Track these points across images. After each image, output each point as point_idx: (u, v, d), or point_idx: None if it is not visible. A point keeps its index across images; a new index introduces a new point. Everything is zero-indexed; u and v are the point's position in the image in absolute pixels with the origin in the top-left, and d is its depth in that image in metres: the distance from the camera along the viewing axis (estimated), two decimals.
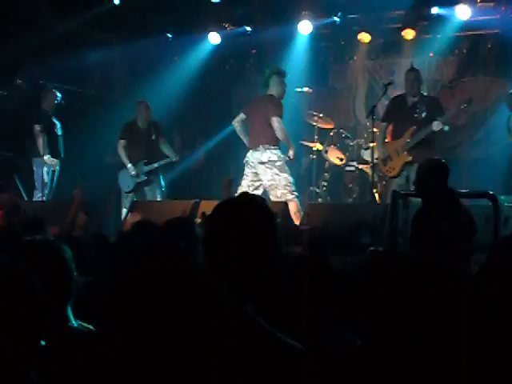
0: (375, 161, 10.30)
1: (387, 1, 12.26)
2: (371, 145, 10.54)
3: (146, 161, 11.35)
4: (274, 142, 10.34)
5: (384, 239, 6.91)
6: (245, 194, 2.50)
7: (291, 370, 2.20)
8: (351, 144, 12.35)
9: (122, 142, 11.44)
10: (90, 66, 13.13)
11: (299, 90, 12.79)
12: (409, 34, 12.67)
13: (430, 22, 12.52)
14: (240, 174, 10.66)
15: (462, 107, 10.25)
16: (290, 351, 2.24)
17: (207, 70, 13.64)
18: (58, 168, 11.39)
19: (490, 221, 6.67)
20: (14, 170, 11.67)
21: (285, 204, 9.39)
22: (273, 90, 10.55)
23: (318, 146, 12.26)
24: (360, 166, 11.95)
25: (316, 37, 13.20)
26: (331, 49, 13.88)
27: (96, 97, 13.69)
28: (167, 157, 11.53)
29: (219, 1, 12.80)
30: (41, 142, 11.10)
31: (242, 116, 10.76)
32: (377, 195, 11.26)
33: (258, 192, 10.20)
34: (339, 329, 3.12)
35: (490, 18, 12.05)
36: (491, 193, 6.92)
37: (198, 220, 7.44)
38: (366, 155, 11.46)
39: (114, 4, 12.60)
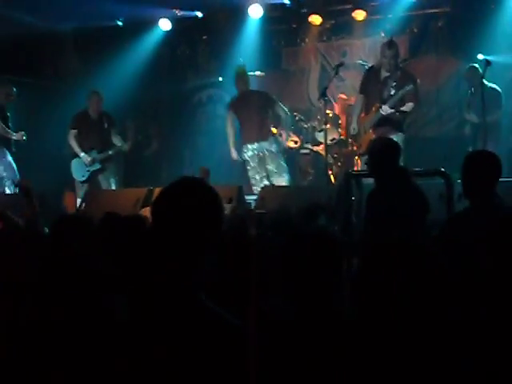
0: (329, 142, 10.31)
1: None
2: (325, 127, 10.52)
3: (98, 149, 11.25)
4: (272, 133, 11.21)
5: (339, 220, 6.92)
6: (186, 178, 2.45)
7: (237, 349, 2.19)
8: (305, 126, 12.35)
9: (73, 132, 11.34)
10: (42, 55, 12.95)
11: (252, 73, 12.74)
12: (359, 14, 12.69)
13: (380, 2, 12.55)
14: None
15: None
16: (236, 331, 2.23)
17: (159, 56, 13.56)
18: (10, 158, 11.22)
19: (443, 198, 6.69)
20: None
21: (239, 188, 9.35)
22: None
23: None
24: (315, 149, 11.96)
25: (267, 20, 13.18)
26: (283, 32, 13.86)
27: (48, 87, 13.51)
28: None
29: None
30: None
31: (232, 116, 11.21)
32: (332, 177, 11.28)
33: (267, 181, 10.99)
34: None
35: None
36: (443, 170, 6.94)
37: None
38: (321, 137, 11.47)
39: None
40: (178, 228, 2.24)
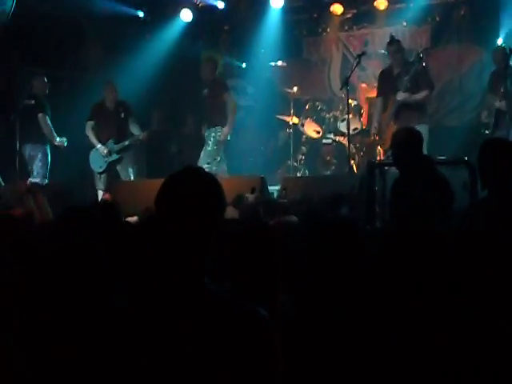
0: (351, 132, 10.32)
1: None
2: (347, 116, 10.52)
3: (115, 140, 11.26)
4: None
5: (362, 210, 6.90)
6: (190, 167, 2.46)
7: (258, 335, 2.19)
8: (327, 116, 12.32)
9: (90, 124, 11.35)
10: (64, 46, 12.98)
11: (273, 64, 12.75)
12: (381, 3, 12.64)
13: None
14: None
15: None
16: (254, 316, 2.22)
17: (181, 46, 13.54)
18: (48, 152, 11.36)
19: (467, 187, 6.66)
20: None
21: (262, 178, 9.37)
22: None
23: (295, 120, 12.23)
24: (337, 138, 11.94)
25: (288, 10, 13.16)
26: (304, 22, 13.83)
27: (71, 78, 13.53)
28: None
29: None
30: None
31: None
32: (354, 166, 11.26)
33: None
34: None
35: None
36: (467, 159, 6.91)
37: None
38: (343, 127, 11.46)
39: None
40: (179, 216, 2.26)
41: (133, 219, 6.81)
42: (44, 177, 11.01)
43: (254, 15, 13.20)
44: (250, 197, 8.13)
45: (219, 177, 7.97)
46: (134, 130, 11.47)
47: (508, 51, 9.83)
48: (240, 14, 13.43)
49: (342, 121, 11.56)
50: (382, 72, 10.62)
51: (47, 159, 11.18)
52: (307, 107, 12.42)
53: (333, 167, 12.05)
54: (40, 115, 11.02)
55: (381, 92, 10.44)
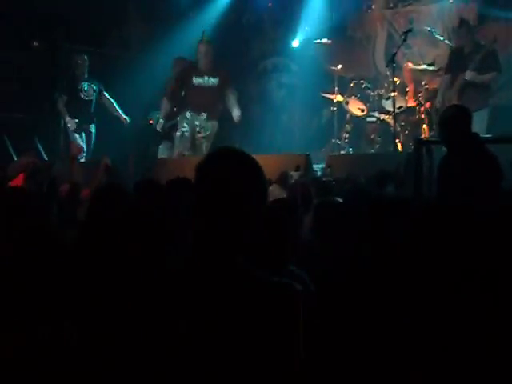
0: (396, 110, 10.27)
1: None
2: (392, 94, 10.44)
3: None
4: None
5: (408, 188, 6.85)
6: (225, 148, 2.43)
7: (293, 309, 2.19)
8: (372, 94, 12.21)
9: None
10: (106, 24, 13.05)
11: (318, 41, 12.66)
12: None
13: None
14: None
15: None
16: (289, 291, 2.23)
17: (224, 24, 13.49)
18: (93, 131, 11.52)
19: None
20: (35, 133, 11.67)
21: (306, 156, 9.35)
22: None
23: (339, 98, 12.15)
24: (381, 117, 11.83)
25: None
26: None
27: (114, 56, 13.59)
28: None
29: None
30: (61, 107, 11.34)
31: None
32: (399, 145, 11.17)
33: None
34: None
35: None
36: None
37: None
38: (388, 105, 11.36)
39: None
40: (213, 199, 2.24)
41: None
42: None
43: None
44: (295, 174, 8.12)
45: (264, 155, 7.96)
46: None
47: None
48: None
49: (387, 99, 11.45)
50: (453, 51, 10.73)
51: (91, 139, 11.39)
52: (352, 85, 12.32)
53: (377, 146, 11.96)
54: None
55: (449, 69, 10.55)
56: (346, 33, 13.88)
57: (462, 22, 10.65)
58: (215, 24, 13.26)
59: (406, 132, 11.40)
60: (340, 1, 13.62)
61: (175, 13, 13.37)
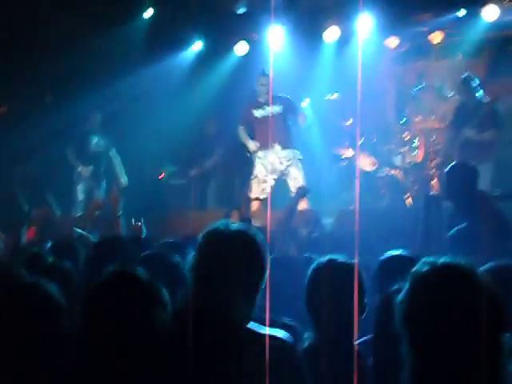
0: (406, 165, 10.31)
1: (412, 4, 12.16)
2: (402, 150, 10.49)
3: None
4: None
5: (416, 244, 6.85)
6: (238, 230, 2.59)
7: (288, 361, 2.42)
8: (382, 149, 12.25)
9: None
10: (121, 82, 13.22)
11: (328, 97, 12.77)
12: (437, 37, 12.56)
13: (457, 24, 12.41)
14: None
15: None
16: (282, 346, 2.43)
17: (237, 80, 13.61)
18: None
19: None
20: (47, 187, 11.76)
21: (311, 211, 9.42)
22: None
23: (350, 153, 12.19)
24: (391, 172, 11.86)
25: (342, 44, 13.15)
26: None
27: (127, 111, 13.72)
28: None
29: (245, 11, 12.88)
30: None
31: None
32: (410, 200, 11.18)
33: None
34: None
35: None
36: None
37: None
38: (398, 161, 11.41)
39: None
40: (225, 275, 2.38)
41: None
42: None
43: (309, 49, 13.20)
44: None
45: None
46: None
47: None
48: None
49: (397, 154, 11.51)
50: (457, 106, 10.89)
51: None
52: (361, 140, 12.39)
53: (387, 200, 11.96)
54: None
55: (453, 125, 10.73)
56: (355, 88, 13.93)
57: (467, 78, 10.78)
58: (227, 81, 13.41)
59: (415, 187, 11.42)
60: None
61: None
